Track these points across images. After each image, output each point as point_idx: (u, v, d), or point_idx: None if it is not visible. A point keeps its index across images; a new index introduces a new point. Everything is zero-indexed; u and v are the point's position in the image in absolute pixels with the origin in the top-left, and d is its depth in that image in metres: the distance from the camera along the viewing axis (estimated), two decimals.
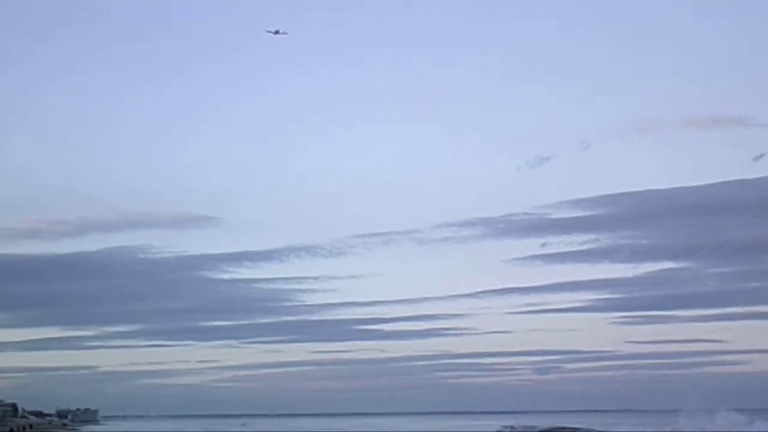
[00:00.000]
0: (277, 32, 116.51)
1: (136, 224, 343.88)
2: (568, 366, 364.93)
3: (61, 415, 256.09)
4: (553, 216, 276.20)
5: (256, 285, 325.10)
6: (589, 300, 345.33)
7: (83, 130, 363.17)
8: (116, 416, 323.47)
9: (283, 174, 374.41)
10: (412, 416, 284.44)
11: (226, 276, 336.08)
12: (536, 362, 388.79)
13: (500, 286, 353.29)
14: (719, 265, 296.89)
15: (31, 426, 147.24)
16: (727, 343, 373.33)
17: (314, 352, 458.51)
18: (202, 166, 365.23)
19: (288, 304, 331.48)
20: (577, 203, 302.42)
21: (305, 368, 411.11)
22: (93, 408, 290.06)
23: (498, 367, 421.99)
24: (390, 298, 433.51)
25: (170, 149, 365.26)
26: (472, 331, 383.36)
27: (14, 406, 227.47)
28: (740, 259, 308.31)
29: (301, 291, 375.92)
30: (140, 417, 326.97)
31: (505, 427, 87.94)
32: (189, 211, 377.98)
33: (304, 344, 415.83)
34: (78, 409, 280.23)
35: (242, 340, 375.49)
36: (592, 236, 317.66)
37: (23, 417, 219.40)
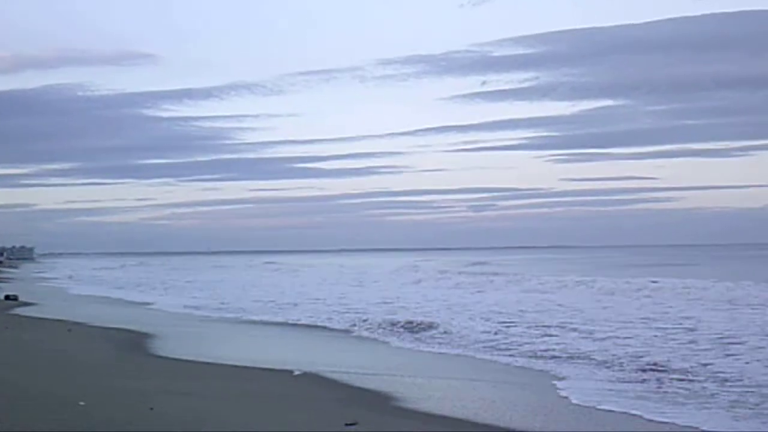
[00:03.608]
0: None
1: (75, 61, 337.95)
2: (503, 203, 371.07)
3: None
4: (495, 54, 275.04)
5: (195, 123, 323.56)
6: (526, 138, 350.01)
7: None
8: (52, 254, 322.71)
9: (224, 10, 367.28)
10: (349, 253, 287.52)
11: (165, 114, 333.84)
12: (472, 200, 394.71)
13: (439, 124, 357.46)
14: (657, 102, 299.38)
15: None
16: (660, 180, 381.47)
17: (252, 190, 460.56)
18: (142, 1, 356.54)
19: (227, 142, 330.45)
20: (519, 41, 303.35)
21: (243, 206, 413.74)
22: (29, 246, 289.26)
23: (435, 204, 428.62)
24: (329, 137, 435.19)
25: None
26: (410, 169, 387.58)
27: None
28: (678, 97, 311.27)
29: (241, 129, 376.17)
30: (76, 255, 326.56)
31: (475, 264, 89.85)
32: (129, 48, 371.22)
33: (243, 182, 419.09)
34: (14, 247, 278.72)
35: (180, 179, 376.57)
36: (533, 74, 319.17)
37: None
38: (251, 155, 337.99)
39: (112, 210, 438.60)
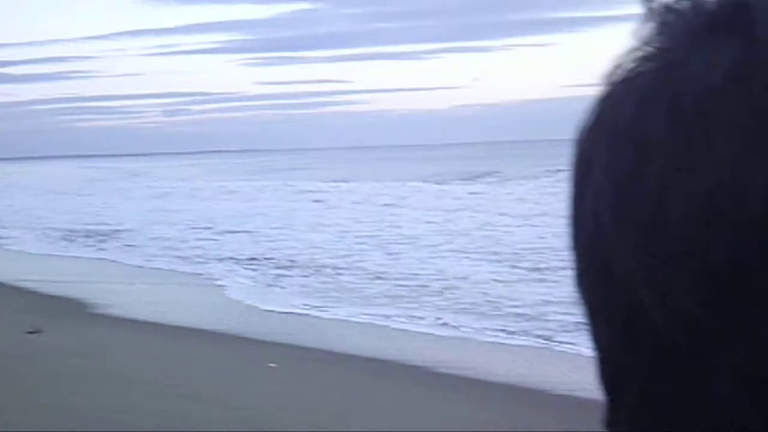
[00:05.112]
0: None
1: None
2: (197, 108, 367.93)
3: None
4: None
5: None
6: (221, 42, 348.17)
7: None
8: None
9: None
10: (36, 161, 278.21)
11: None
12: (165, 104, 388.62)
13: (133, 28, 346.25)
14: (353, 5, 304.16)
15: None
16: (353, 83, 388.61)
17: None
18: None
19: None
20: None
21: None
22: None
23: (127, 109, 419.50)
24: (17, 41, 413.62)
25: None
26: (102, 74, 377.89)
27: None
28: (373, 0, 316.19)
29: None
30: None
31: None
32: None
33: None
34: None
35: None
36: None
37: None
38: None
39: None
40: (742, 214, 0.52)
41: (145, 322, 15.84)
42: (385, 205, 44.11)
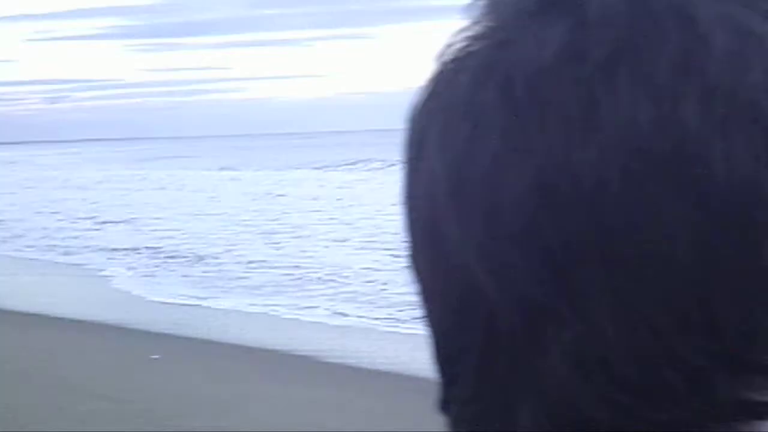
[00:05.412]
0: None
1: None
2: (79, 95, 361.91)
3: None
4: None
5: None
6: (103, 27, 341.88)
7: None
8: None
9: None
10: None
11: None
12: (46, 91, 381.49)
13: (9, 13, 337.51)
14: None
15: None
16: (232, 70, 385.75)
17: None
18: None
19: None
20: None
21: None
22: None
23: (6, 96, 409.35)
24: None
25: None
26: None
27: None
28: None
29: None
30: None
31: None
32: None
33: None
34: None
35: None
36: None
37: None
38: None
39: None
40: (574, 194, 0.52)
41: (27, 314, 15.50)
42: (269, 193, 43.92)
